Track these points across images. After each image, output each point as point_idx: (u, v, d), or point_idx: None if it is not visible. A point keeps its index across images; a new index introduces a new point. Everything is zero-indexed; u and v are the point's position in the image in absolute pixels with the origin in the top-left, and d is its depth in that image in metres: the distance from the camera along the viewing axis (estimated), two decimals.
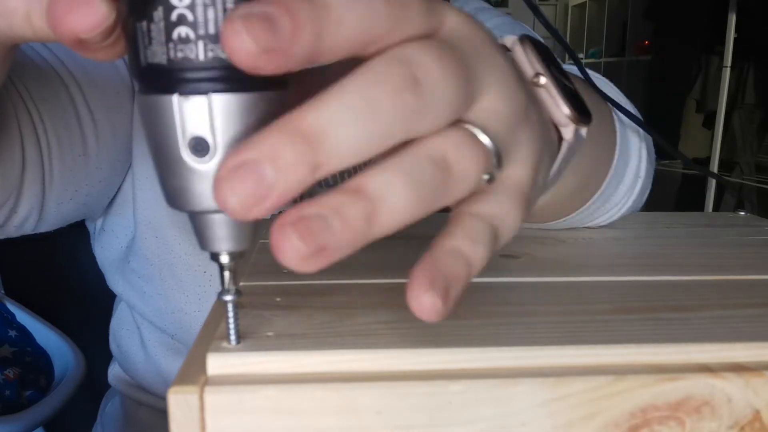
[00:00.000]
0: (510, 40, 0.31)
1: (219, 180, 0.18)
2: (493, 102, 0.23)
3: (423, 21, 0.21)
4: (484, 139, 0.22)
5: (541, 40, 0.63)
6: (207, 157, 0.21)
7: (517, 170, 0.25)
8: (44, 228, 0.52)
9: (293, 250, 0.18)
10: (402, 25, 0.21)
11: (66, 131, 0.48)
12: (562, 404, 0.23)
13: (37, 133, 0.46)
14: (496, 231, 0.23)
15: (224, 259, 0.23)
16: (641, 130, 0.45)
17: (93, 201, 0.55)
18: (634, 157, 0.44)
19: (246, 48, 0.18)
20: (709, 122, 2.77)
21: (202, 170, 0.21)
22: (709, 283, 0.34)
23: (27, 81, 0.46)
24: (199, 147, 0.21)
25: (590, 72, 0.46)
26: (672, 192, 2.97)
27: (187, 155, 0.21)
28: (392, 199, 0.20)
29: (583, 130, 0.33)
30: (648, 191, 0.50)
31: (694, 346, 0.24)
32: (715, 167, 2.43)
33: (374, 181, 0.20)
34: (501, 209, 0.24)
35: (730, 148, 2.73)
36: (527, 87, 0.27)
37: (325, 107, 0.19)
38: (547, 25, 0.44)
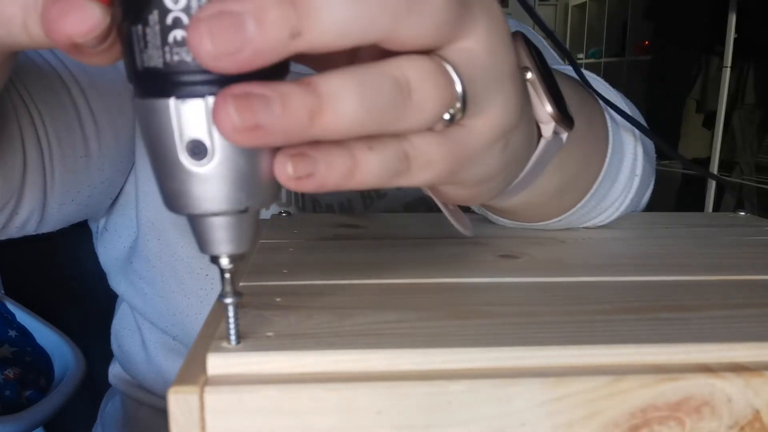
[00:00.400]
0: None
1: (197, 21, 0.18)
2: (477, 46, 0.23)
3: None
4: (455, 77, 0.22)
5: (542, 40, 0.62)
6: (205, 160, 0.21)
7: (476, 122, 0.24)
8: (46, 228, 0.52)
9: (228, 119, 0.19)
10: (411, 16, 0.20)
11: (67, 133, 0.48)
12: (562, 404, 0.23)
13: (38, 135, 0.46)
14: (408, 162, 0.22)
15: (224, 261, 0.23)
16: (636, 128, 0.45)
17: (95, 202, 0.55)
18: (628, 156, 0.44)
19: (207, 51, 0.18)
20: (709, 122, 2.77)
21: (200, 173, 0.21)
22: (709, 283, 0.34)
23: (28, 82, 0.46)
24: (197, 150, 0.21)
25: (588, 74, 0.46)
26: (672, 192, 2.97)
27: (184, 158, 0.21)
28: (341, 104, 0.20)
29: (564, 135, 0.33)
30: (650, 189, 0.50)
31: (694, 346, 0.24)
32: (715, 167, 2.43)
33: (329, 81, 0.20)
34: (430, 150, 0.23)
35: (730, 149, 2.73)
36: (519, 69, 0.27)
37: None
38: (542, 27, 0.44)
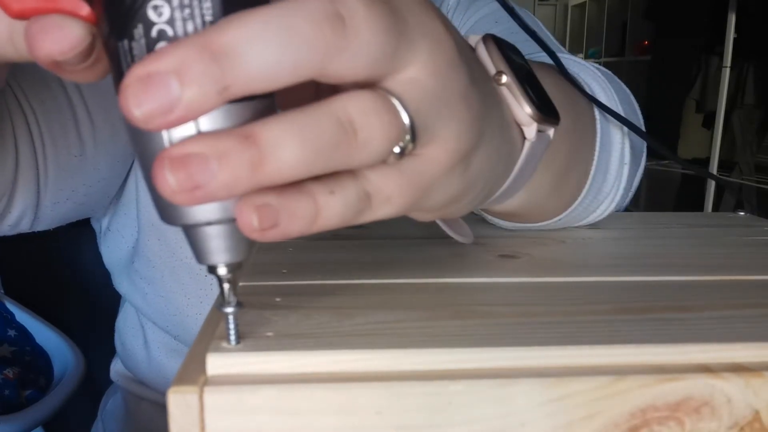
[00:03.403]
0: (474, 39, 0.31)
1: (124, 88, 0.18)
2: (422, 73, 0.22)
3: None
4: (402, 111, 0.22)
5: (539, 23, 0.61)
6: None
7: (431, 151, 0.24)
8: (41, 227, 0.52)
9: (166, 183, 0.19)
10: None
11: (62, 132, 0.48)
12: (562, 404, 0.23)
13: (32, 134, 0.46)
14: (368, 200, 0.22)
15: (222, 271, 0.23)
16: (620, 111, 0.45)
17: (92, 201, 0.55)
18: (616, 145, 0.44)
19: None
20: (709, 122, 2.78)
21: None
22: (709, 283, 0.34)
23: (24, 80, 0.46)
24: None
25: (577, 60, 0.46)
26: (672, 192, 2.98)
27: None
28: (283, 152, 0.19)
29: (551, 131, 0.32)
30: (637, 181, 0.49)
31: (694, 347, 0.24)
32: (714, 167, 2.43)
33: (268, 130, 0.19)
34: (388, 185, 0.23)
35: (729, 149, 2.73)
36: (474, 73, 0.26)
37: (239, 25, 0.18)
38: (522, 26, 0.44)
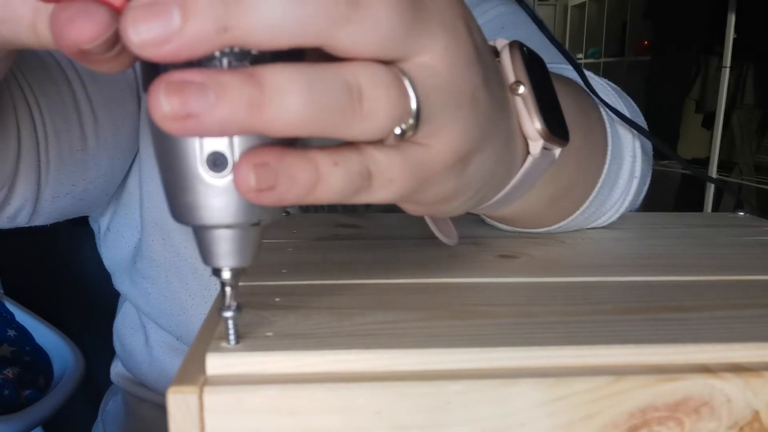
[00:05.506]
0: (501, 43, 0.30)
1: (129, 9, 0.18)
2: (437, 62, 0.22)
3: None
4: (410, 92, 0.22)
5: (553, 35, 0.62)
6: (225, 172, 0.21)
7: (433, 142, 0.23)
8: (39, 221, 0.51)
9: (159, 107, 0.18)
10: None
11: (65, 125, 0.48)
12: (562, 404, 0.23)
13: (35, 125, 0.46)
14: (369, 179, 0.22)
15: (226, 275, 0.23)
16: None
17: (91, 197, 0.54)
18: (627, 159, 0.44)
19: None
20: (709, 122, 2.78)
21: (217, 185, 0.21)
22: (709, 283, 0.34)
23: (29, 73, 0.46)
24: (218, 162, 0.21)
25: (588, 74, 0.46)
26: (672, 192, 2.98)
27: (203, 170, 0.21)
28: (285, 101, 0.19)
29: (557, 150, 0.32)
30: (646, 188, 0.50)
31: (694, 347, 0.24)
32: (714, 167, 2.43)
33: (276, 75, 0.19)
34: (392, 167, 0.22)
35: (729, 149, 2.74)
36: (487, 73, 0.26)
37: None
38: (542, 28, 0.44)
